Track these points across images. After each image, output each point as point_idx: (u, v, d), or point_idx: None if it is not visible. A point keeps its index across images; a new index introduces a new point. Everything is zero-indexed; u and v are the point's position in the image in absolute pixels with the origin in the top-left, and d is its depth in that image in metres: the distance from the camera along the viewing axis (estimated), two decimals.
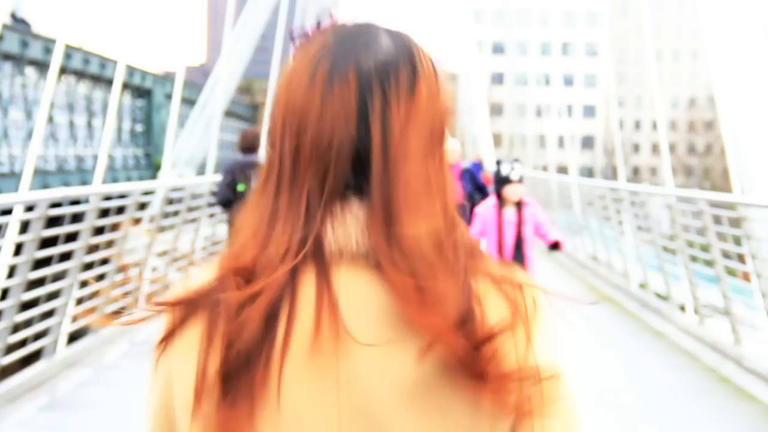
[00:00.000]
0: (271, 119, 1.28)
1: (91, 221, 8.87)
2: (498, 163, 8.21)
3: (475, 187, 11.10)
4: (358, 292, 1.20)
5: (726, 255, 9.59)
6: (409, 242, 1.19)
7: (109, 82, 42.93)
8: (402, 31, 1.30)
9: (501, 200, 7.97)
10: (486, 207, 8.11)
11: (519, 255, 7.79)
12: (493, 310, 1.21)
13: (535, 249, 8.03)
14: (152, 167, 52.06)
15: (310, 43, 1.28)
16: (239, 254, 1.23)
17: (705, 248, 10.07)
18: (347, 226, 1.21)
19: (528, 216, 7.92)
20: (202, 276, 1.25)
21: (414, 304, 1.17)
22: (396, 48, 1.26)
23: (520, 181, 7.95)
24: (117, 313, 1.31)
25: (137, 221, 11.18)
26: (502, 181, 7.94)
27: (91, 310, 8.62)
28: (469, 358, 1.16)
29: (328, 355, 1.18)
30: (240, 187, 9.52)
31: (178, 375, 1.23)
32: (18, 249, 7.98)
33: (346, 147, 1.22)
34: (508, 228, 7.86)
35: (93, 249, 9.25)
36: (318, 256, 1.20)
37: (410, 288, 1.17)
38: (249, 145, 9.68)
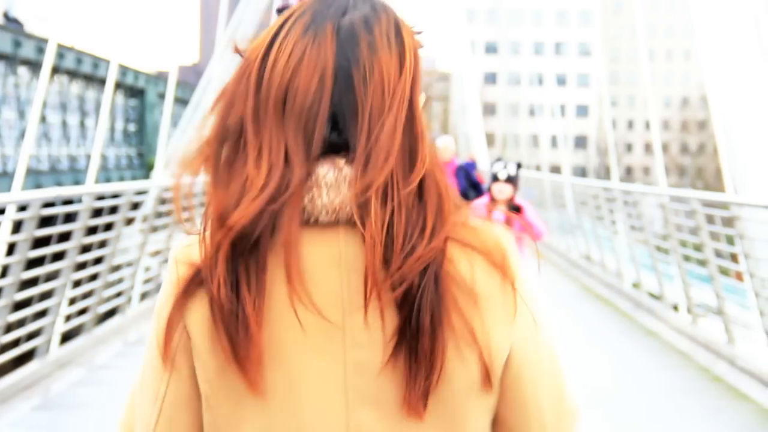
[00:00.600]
0: (231, 79, 1.28)
1: (84, 221, 8.86)
2: (496, 160, 8.25)
3: (470, 184, 11.12)
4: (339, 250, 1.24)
5: (719, 254, 9.61)
6: (378, 191, 1.21)
7: (101, 82, 42.87)
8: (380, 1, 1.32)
9: (493, 199, 8.01)
10: (478, 204, 8.16)
11: None
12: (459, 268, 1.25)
13: (525, 249, 8.02)
14: (145, 167, 52.00)
15: (289, 10, 1.30)
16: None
17: (698, 248, 10.09)
18: (324, 193, 1.23)
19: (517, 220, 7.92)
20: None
21: (370, 253, 1.21)
22: (373, 7, 1.28)
23: (508, 181, 7.97)
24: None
25: (130, 221, 11.16)
26: (491, 178, 8.03)
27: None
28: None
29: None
30: None
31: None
32: (10, 249, 7.96)
33: (322, 101, 1.23)
34: None
35: (86, 249, 9.23)
36: (293, 213, 1.22)
37: (374, 235, 1.21)
38: None
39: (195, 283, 1.25)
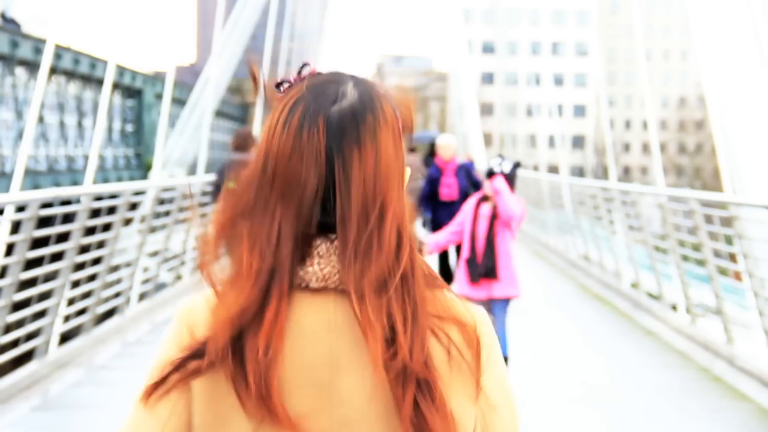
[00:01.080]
0: (253, 160, 1.45)
1: (83, 221, 8.86)
2: (496, 157, 8.29)
3: (471, 182, 11.11)
4: (319, 317, 1.39)
5: (717, 254, 9.61)
6: (371, 280, 1.36)
7: (99, 82, 42.80)
8: (368, 80, 1.46)
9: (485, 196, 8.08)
10: (471, 200, 8.21)
11: (490, 248, 7.84)
12: (436, 349, 1.38)
13: (512, 243, 8.02)
14: (143, 167, 51.95)
15: (288, 92, 1.45)
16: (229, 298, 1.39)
17: (696, 247, 10.09)
18: (316, 263, 1.39)
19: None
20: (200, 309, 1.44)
21: (372, 339, 1.35)
22: (361, 97, 1.42)
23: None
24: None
25: (128, 221, 11.16)
26: (486, 174, 8.11)
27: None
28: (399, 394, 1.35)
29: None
30: (230, 185, 9.54)
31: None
32: (9, 249, 7.96)
33: (313, 187, 1.38)
34: (482, 221, 7.91)
35: (84, 249, 9.23)
36: (282, 285, 1.38)
37: (374, 324, 1.35)
38: (241, 144, 9.71)
39: (198, 358, 1.39)
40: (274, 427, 1.36)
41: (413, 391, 1.35)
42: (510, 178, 8.02)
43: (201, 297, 1.43)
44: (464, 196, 10.48)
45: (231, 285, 1.39)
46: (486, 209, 7.95)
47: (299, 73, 1.47)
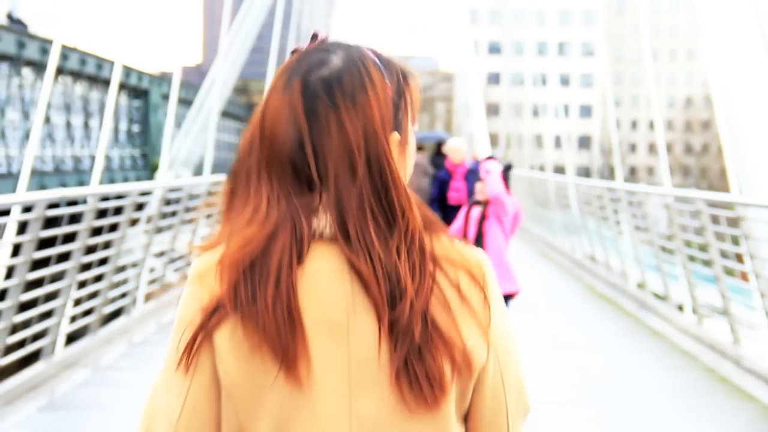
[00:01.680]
0: (251, 123, 1.55)
1: (89, 222, 8.86)
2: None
3: None
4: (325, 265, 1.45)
5: (724, 255, 9.60)
6: (368, 232, 1.44)
7: (105, 83, 42.87)
8: (360, 48, 1.54)
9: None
10: (464, 207, 8.30)
11: (479, 247, 7.87)
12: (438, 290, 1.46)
13: (503, 244, 8.01)
14: (149, 168, 52.01)
15: (288, 61, 1.55)
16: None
17: (703, 248, 10.07)
18: (322, 215, 1.46)
19: (491, 210, 8.02)
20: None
21: (366, 281, 1.43)
22: (344, 63, 1.49)
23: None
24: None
25: (135, 222, 11.17)
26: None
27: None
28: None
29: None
30: None
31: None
32: (16, 250, 7.97)
33: (295, 147, 1.47)
34: (472, 224, 7.95)
35: (91, 250, 9.24)
36: (286, 232, 1.45)
37: (365, 268, 1.43)
38: None
39: (220, 311, 1.45)
40: (291, 362, 1.41)
41: (407, 348, 1.42)
42: (504, 179, 8.06)
43: (213, 255, 1.49)
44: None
45: (237, 233, 1.47)
46: (476, 212, 8.01)
47: (312, 41, 1.56)
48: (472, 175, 11.23)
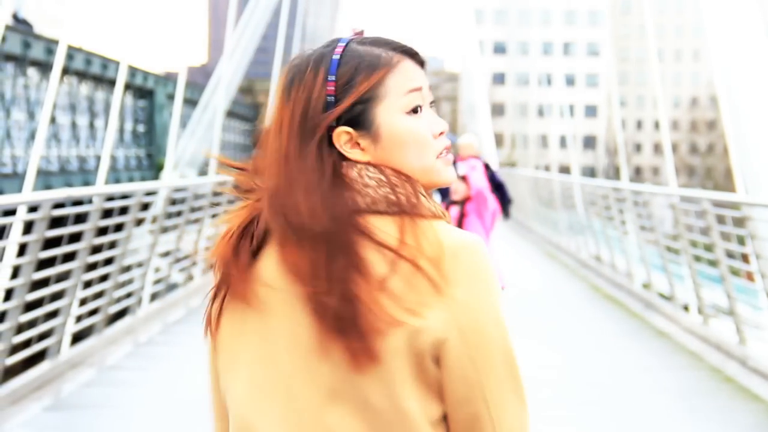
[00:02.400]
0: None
1: (95, 222, 8.87)
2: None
3: (494, 185, 11.05)
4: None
5: (730, 255, 9.58)
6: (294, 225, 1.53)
7: (111, 83, 42.97)
8: (334, 44, 1.62)
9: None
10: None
11: None
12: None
13: (484, 240, 8.07)
14: (154, 168, 52.08)
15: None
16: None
17: (709, 248, 10.06)
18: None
19: (471, 207, 8.15)
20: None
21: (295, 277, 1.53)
22: (314, 57, 1.61)
23: (463, 179, 8.31)
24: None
25: (140, 222, 11.17)
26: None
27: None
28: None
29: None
30: None
31: None
32: (22, 249, 7.97)
33: None
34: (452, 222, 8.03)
35: (96, 249, 9.25)
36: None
37: (298, 262, 1.52)
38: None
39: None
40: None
41: (330, 324, 1.49)
42: (493, 181, 8.26)
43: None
44: None
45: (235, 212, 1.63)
46: (454, 211, 8.10)
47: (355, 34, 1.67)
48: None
